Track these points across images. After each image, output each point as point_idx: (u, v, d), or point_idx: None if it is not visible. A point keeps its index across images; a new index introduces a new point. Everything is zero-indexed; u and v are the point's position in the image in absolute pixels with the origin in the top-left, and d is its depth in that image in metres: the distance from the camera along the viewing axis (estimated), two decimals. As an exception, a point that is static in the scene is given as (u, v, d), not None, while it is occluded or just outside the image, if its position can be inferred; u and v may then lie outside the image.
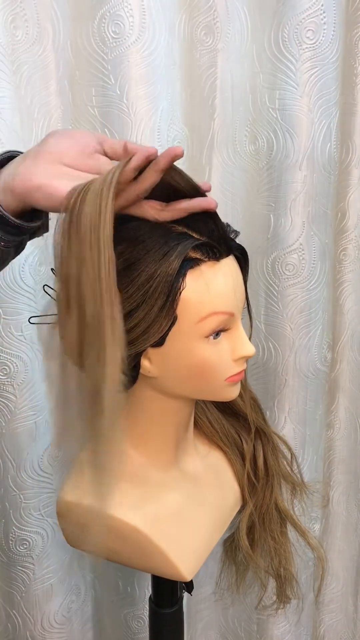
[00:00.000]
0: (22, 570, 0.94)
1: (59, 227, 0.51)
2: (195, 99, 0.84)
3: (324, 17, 0.80)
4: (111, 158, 0.58)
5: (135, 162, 0.52)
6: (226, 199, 0.90)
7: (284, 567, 0.75)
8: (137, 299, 0.57)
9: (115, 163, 0.56)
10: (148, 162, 0.53)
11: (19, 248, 0.58)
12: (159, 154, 0.54)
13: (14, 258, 0.59)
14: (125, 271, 0.57)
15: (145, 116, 0.79)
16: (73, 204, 0.50)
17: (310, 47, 0.81)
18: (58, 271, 0.52)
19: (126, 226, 0.58)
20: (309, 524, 1.05)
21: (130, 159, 0.52)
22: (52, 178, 0.52)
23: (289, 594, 0.77)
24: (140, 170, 0.54)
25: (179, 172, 0.56)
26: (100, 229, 0.49)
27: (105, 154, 0.57)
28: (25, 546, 0.92)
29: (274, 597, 0.79)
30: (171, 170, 0.55)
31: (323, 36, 0.81)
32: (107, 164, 0.57)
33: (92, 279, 0.49)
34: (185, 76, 0.83)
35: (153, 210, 0.56)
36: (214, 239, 0.58)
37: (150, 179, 0.53)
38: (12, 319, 0.81)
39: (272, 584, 0.79)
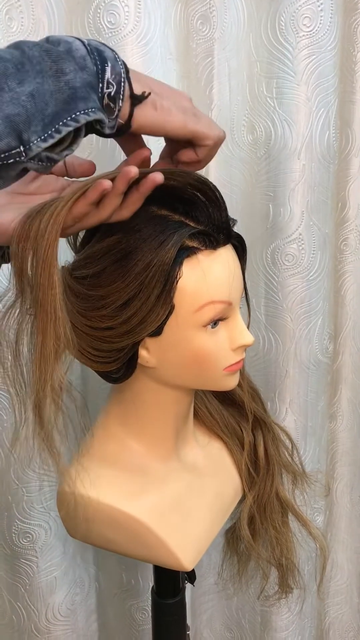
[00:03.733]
0: (25, 562, 0.94)
1: (12, 254, 0.51)
2: (192, 89, 0.84)
3: (321, 3, 0.79)
4: (55, 174, 0.57)
5: (89, 198, 0.51)
6: (225, 189, 0.89)
7: (286, 556, 0.75)
8: (134, 289, 0.57)
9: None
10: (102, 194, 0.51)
11: None
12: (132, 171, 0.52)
13: None
14: (122, 261, 0.57)
15: (142, 107, 0.79)
16: (19, 235, 0.50)
17: (307, 34, 0.80)
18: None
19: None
20: (312, 516, 1.05)
21: (85, 190, 0.51)
22: None
23: (290, 583, 0.77)
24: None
25: (172, 175, 0.55)
26: (45, 273, 0.50)
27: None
28: (28, 539, 0.93)
29: (277, 587, 0.79)
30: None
31: (320, 23, 0.80)
32: (54, 182, 0.56)
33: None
34: (181, 66, 0.83)
35: (114, 215, 0.54)
36: (211, 227, 0.58)
37: (111, 205, 0.52)
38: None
39: (274, 574, 0.79)
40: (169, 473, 0.67)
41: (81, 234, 0.63)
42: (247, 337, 0.62)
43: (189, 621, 0.80)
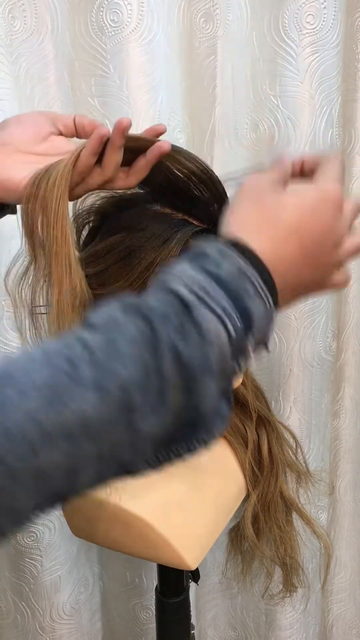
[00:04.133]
0: (30, 561, 0.94)
1: (22, 215, 0.51)
2: (196, 88, 0.84)
3: (324, 1, 0.79)
4: (66, 135, 0.57)
5: (89, 147, 0.51)
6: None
7: (290, 555, 0.75)
8: (138, 287, 0.56)
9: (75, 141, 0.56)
10: (104, 143, 0.52)
11: None
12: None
13: None
14: (125, 259, 0.57)
15: (145, 105, 0.79)
16: (28, 196, 0.50)
17: (310, 32, 0.80)
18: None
19: (126, 214, 0.58)
20: (316, 514, 1.05)
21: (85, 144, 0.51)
22: (10, 170, 0.51)
23: (295, 582, 0.77)
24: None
25: (178, 157, 0.55)
26: (58, 226, 0.50)
27: (60, 133, 0.57)
28: (32, 538, 0.93)
29: (281, 586, 0.79)
30: (169, 157, 0.54)
31: (323, 21, 0.80)
32: (64, 144, 0.56)
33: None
34: (184, 64, 0.83)
35: (121, 182, 0.55)
36: (215, 226, 0.58)
37: (112, 161, 0.52)
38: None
39: (278, 572, 0.79)
40: (172, 471, 0.67)
41: (84, 233, 0.63)
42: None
43: (193, 620, 0.80)
